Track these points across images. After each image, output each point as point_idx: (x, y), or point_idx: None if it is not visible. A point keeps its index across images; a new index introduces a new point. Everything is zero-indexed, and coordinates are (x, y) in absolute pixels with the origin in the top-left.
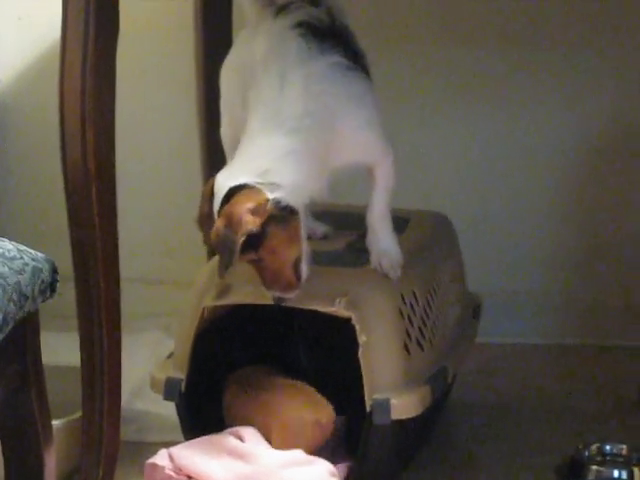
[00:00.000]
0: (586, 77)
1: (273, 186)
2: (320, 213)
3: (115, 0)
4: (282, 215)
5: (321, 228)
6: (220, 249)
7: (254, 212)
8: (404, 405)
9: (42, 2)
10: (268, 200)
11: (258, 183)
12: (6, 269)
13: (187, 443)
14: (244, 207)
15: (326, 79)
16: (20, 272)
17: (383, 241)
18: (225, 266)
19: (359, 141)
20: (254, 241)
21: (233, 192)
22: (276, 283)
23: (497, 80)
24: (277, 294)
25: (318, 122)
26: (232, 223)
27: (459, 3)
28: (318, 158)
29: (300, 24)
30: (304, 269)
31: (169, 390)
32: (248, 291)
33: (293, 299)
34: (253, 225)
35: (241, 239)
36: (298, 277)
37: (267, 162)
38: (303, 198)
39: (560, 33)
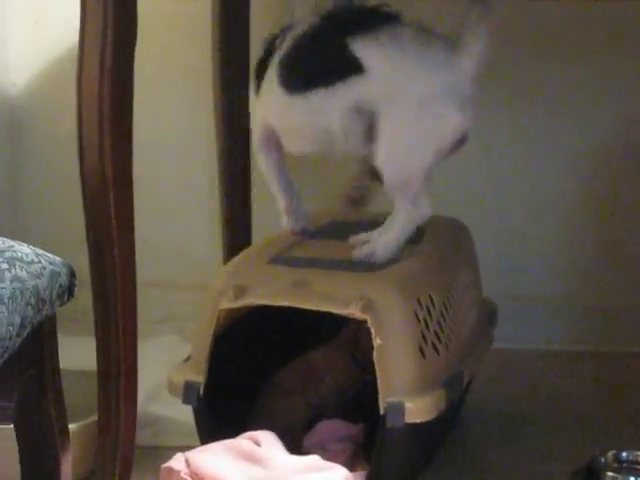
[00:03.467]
0: (597, 88)
1: None
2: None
3: (133, 2)
4: None
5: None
6: None
7: None
8: (418, 409)
9: (59, 6)
10: None
11: None
12: (24, 273)
13: (203, 447)
14: None
15: None
16: (38, 276)
17: None
18: None
19: None
20: None
21: None
22: None
23: (515, 85)
24: None
25: None
26: None
27: None
28: None
29: None
30: None
31: (188, 394)
32: (264, 292)
33: None
34: None
35: None
36: None
37: None
38: None
39: (579, 35)
